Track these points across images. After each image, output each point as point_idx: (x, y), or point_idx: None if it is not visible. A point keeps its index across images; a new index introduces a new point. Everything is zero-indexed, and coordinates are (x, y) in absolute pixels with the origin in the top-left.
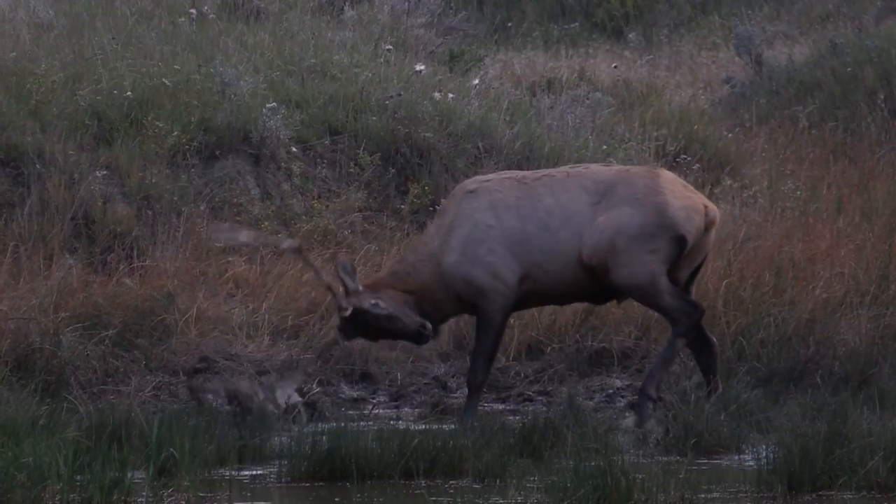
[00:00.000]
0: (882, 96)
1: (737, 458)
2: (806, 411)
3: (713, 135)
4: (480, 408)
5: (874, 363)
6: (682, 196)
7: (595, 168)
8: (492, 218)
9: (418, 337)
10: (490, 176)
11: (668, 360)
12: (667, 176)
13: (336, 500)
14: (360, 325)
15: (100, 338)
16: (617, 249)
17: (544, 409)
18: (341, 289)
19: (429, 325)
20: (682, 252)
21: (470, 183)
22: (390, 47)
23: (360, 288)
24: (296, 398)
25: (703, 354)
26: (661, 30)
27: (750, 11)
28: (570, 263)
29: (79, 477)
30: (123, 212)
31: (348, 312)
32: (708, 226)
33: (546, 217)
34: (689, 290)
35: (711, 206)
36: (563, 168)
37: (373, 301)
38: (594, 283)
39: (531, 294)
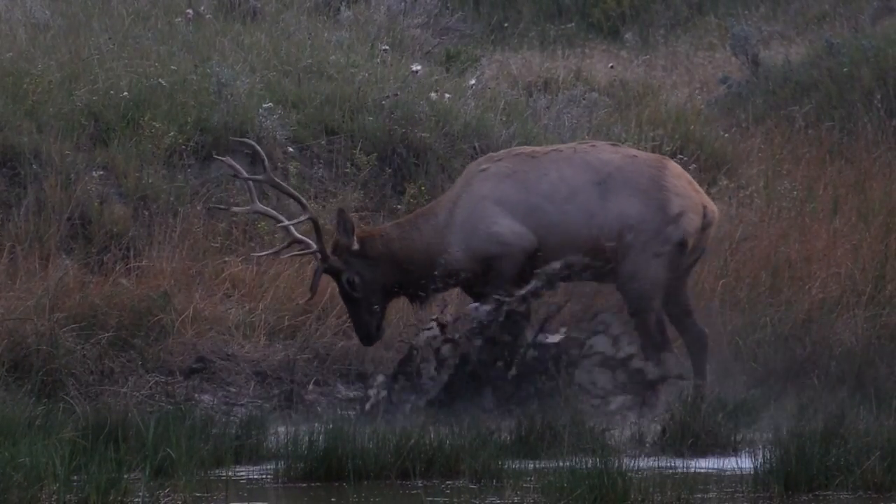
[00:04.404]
0: (878, 96)
1: (733, 458)
2: (802, 411)
3: (709, 135)
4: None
5: (870, 363)
6: (684, 193)
7: (601, 147)
8: (497, 195)
9: (367, 337)
10: (501, 154)
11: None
12: (673, 169)
13: (332, 500)
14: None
15: (96, 338)
16: (626, 242)
17: (541, 409)
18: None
19: (382, 331)
20: (685, 252)
21: (483, 162)
22: (387, 47)
23: (355, 246)
24: None
25: (693, 343)
26: (658, 30)
27: (746, 11)
28: (575, 238)
29: (75, 477)
30: (120, 212)
31: (326, 265)
32: (705, 226)
33: (551, 190)
34: (683, 279)
35: (711, 206)
36: (572, 144)
37: (351, 276)
38: (597, 261)
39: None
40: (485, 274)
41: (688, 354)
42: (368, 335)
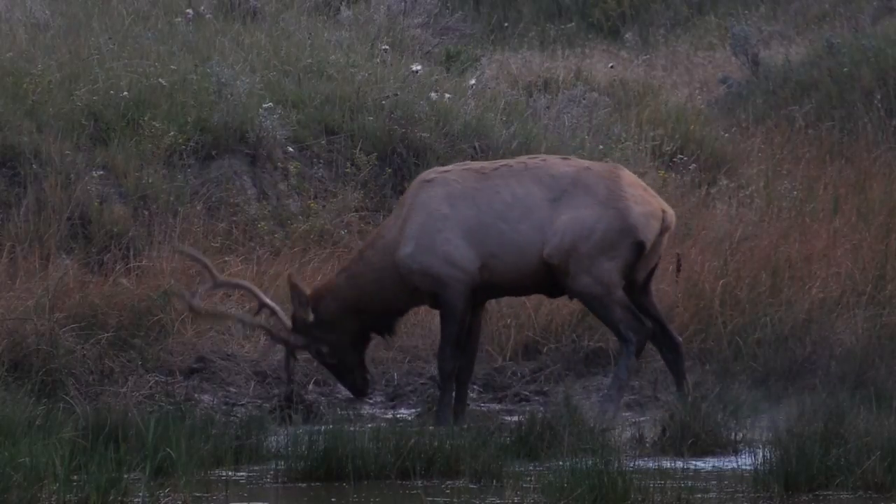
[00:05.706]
0: (878, 96)
1: (733, 458)
2: (803, 411)
3: (710, 135)
4: (477, 407)
5: (871, 363)
6: (642, 201)
7: (553, 161)
8: (447, 207)
9: (357, 392)
10: (450, 167)
11: (622, 383)
12: (627, 178)
13: (332, 500)
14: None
15: (96, 338)
16: (579, 254)
17: (541, 409)
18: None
19: (371, 379)
20: (640, 257)
21: (428, 173)
22: (387, 47)
23: (311, 317)
24: None
25: (668, 353)
26: (658, 30)
27: (746, 11)
28: (528, 257)
29: (75, 477)
30: (120, 212)
31: (295, 342)
32: (663, 230)
33: (504, 209)
34: (647, 289)
35: (669, 211)
36: (521, 158)
37: (319, 348)
38: (550, 278)
39: (488, 285)
40: (434, 298)
41: (666, 366)
42: (357, 389)
